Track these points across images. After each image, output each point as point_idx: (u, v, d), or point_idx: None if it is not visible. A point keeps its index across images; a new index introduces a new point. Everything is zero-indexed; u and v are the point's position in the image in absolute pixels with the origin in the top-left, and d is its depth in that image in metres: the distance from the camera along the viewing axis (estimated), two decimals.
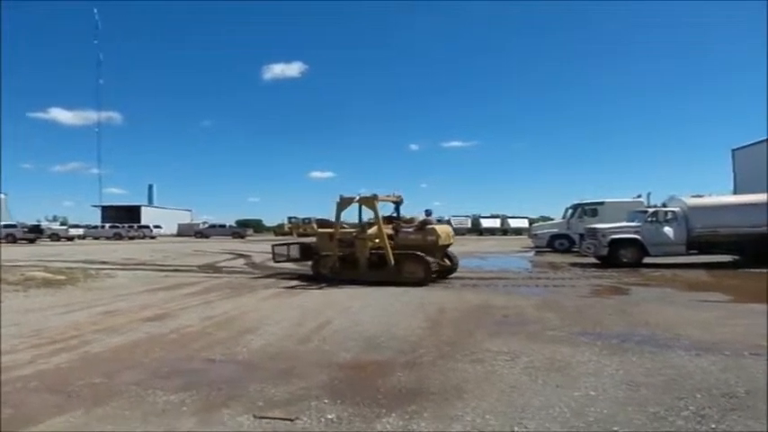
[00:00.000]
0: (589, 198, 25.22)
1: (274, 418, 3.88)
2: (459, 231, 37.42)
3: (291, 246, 15.36)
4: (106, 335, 6.94)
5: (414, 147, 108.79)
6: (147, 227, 56.33)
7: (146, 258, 22.36)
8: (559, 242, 24.85)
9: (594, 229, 17.52)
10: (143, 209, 73.32)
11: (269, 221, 77.26)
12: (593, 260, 17.78)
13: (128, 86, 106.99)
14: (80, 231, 51.28)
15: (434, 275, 12.49)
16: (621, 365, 5.22)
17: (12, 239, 40.06)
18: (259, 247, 31.45)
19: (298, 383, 4.74)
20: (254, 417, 3.91)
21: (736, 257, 17.10)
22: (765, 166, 22.49)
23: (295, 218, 62.33)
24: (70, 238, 46.53)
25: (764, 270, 14.48)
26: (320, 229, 15.50)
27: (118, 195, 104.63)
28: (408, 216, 14.18)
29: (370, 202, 12.87)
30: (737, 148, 25.65)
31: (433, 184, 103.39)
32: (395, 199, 13.72)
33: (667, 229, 16.34)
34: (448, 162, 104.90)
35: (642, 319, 7.73)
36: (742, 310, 8.40)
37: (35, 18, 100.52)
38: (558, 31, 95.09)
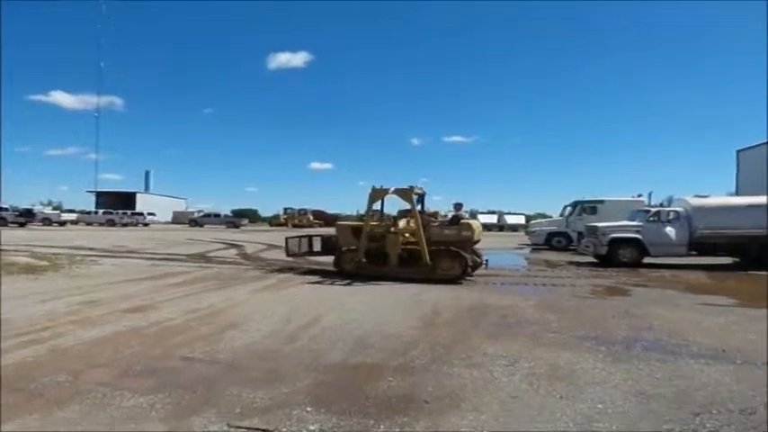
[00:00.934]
0: (589, 196, 24.90)
1: (250, 429, 3.51)
2: None
3: (308, 239, 14.38)
4: (81, 327, 6.54)
5: (415, 141, 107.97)
6: (141, 214, 55.68)
7: (136, 246, 21.91)
8: (557, 240, 24.53)
9: (594, 227, 17.16)
10: (138, 196, 72.63)
11: (266, 212, 76.74)
12: (591, 259, 17.45)
13: (131, 71, 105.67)
14: (73, 217, 50.77)
15: (471, 272, 12.08)
16: (628, 374, 4.87)
17: (2, 223, 39.46)
18: (253, 238, 31.04)
19: (280, 387, 4.37)
20: (229, 426, 3.55)
21: (736, 260, 16.85)
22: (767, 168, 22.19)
23: (291, 209, 62.24)
24: (62, 224, 45.99)
25: (766, 273, 14.22)
26: (340, 222, 15.01)
27: (115, 181, 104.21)
28: (432, 210, 13.63)
29: (406, 193, 12.13)
30: (742, 150, 25.31)
31: (433, 179, 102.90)
32: (419, 191, 12.95)
33: (669, 230, 16.00)
34: (448, 157, 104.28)
35: (646, 322, 7.39)
36: (749, 316, 8.07)
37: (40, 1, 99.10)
38: (563, 30, 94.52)
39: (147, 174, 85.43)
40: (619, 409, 3.96)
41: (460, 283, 11.51)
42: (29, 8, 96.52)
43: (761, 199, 16.01)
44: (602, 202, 23.79)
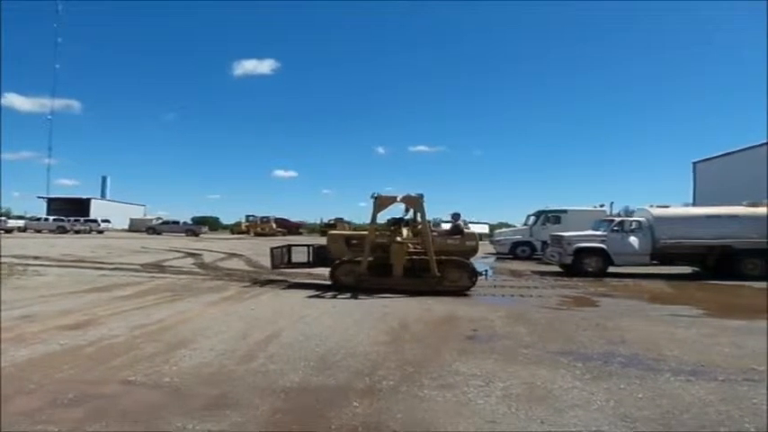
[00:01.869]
0: (552, 206, 25.06)
1: None
2: None
3: (294, 249, 13.41)
4: (12, 346, 5.85)
5: (381, 150, 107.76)
6: (95, 221, 53.52)
7: (86, 254, 20.76)
8: (522, 249, 24.57)
9: (560, 236, 17.16)
10: (93, 202, 69.89)
11: (228, 220, 74.84)
12: (556, 268, 17.43)
13: (89, 74, 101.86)
14: (20, 223, 48.29)
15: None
16: (610, 394, 4.57)
17: None
18: (213, 246, 30.04)
19: (232, 417, 3.88)
20: None
21: (696, 269, 17.12)
22: (724, 179, 22.82)
23: (253, 216, 60.89)
24: (8, 231, 43.61)
25: (726, 282, 14.43)
26: (333, 232, 14.23)
27: (70, 187, 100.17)
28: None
29: (415, 202, 11.59)
30: (698, 161, 26.01)
31: (398, 188, 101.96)
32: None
33: (632, 239, 16.13)
34: (413, 166, 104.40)
35: (619, 335, 7.17)
36: (719, 327, 7.97)
37: None
38: (522, 45, 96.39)
39: (103, 179, 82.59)
40: None
41: (467, 295, 11.17)
42: None
43: (719, 209, 16.32)
44: (565, 211, 23.98)
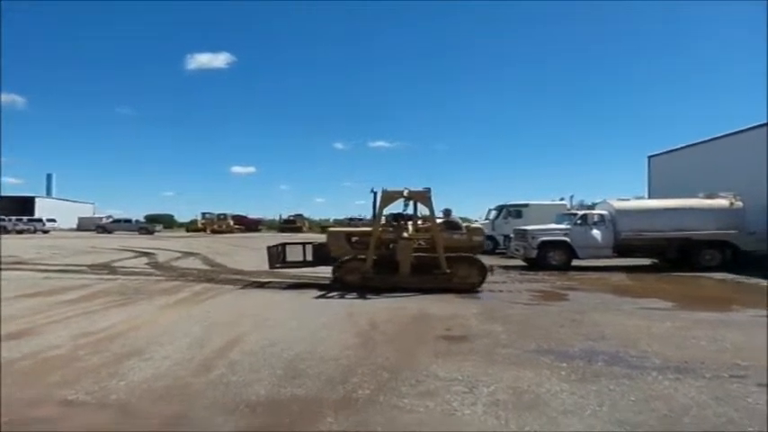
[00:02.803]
0: (513, 200, 25.08)
1: None
2: None
3: (291, 246, 12.66)
4: None
5: (339, 145, 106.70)
6: (40, 220, 50.85)
7: (29, 256, 19.47)
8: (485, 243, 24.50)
9: (524, 230, 17.09)
10: (38, 201, 66.43)
11: (183, 217, 72.43)
12: (519, 262, 17.38)
13: (36, 68, 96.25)
14: None
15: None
16: (601, 397, 4.29)
17: None
18: (168, 245, 28.84)
19: None
20: None
21: (655, 261, 17.40)
22: (677, 173, 23.38)
23: (210, 213, 59.16)
24: None
25: (684, 274, 14.67)
26: (333, 228, 13.46)
27: (14, 186, 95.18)
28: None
29: (422, 196, 11.08)
30: (653, 155, 26.61)
31: (356, 183, 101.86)
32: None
33: (595, 232, 16.22)
34: (373, 162, 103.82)
35: (597, 331, 6.97)
36: (690, 320, 7.91)
37: None
38: (480, 35, 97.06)
39: (48, 177, 78.58)
40: None
41: (479, 291, 10.80)
42: None
43: (679, 202, 16.60)
44: (526, 205, 24.01)
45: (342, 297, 9.98)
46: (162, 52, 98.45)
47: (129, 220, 53.73)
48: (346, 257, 11.38)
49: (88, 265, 15.86)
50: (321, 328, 7.10)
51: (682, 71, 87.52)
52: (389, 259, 10.97)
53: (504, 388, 4.53)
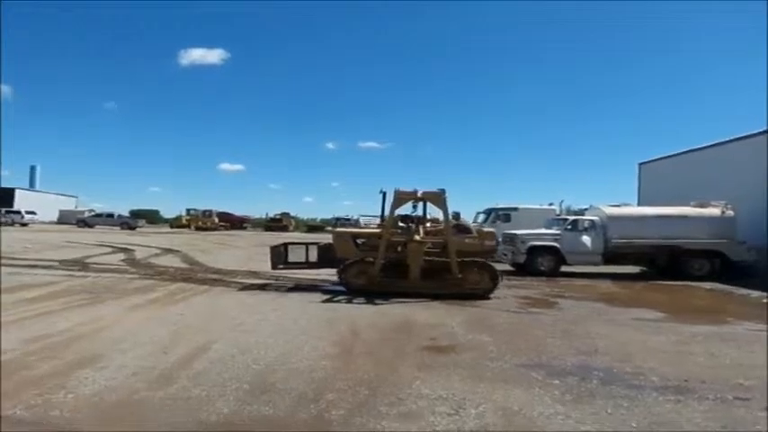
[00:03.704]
0: (502, 203, 24.73)
1: None
2: None
3: (295, 247, 12.01)
4: None
5: (330, 145, 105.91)
6: (18, 212, 49.62)
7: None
8: None
9: (513, 235, 16.73)
10: (18, 192, 64.95)
11: (169, 213, 71.15)
12: (507, 267, 17.01)
13: (23, 57, 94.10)
14: None
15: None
16: (599, 421, 3.91)
17: None
18: (148, 240, 28.11)
19: None
20: None
21: (643, 269, 17.16)
22: (667, 181, 23.27)
23: (194, 209, 58.24)
24: None
25: (673, 282, 14.42)
26: (339, 229, 12.94)
27: None
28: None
29: (437, 198, 10.63)
30: (644, 162, 26.51)
31: (345, 184, 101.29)
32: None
33: (585, 238, 15.92)
34: (362, 162, 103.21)
35: (590, 343, 6.61)
36: (686, 333, 7.56)
37: None
38: (469, 36, 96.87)
39: (32, 169, 77.07)
40: None
41: (489, 299, 10.35)
42: None
43: (670, 210, 16.36)
44: (515, 209, 23.64)
45: (349, 302, 9.54)
46: (154, 47, 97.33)
47: (111, 215, 52.56)
48: (350, 260, 10.89)
49: (60, 261, 15.21)
50: (298, 334, 6.65)
51: (674, 76, 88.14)
52: (398, 262, 10.52)
53: (494, 408, 4.14)
